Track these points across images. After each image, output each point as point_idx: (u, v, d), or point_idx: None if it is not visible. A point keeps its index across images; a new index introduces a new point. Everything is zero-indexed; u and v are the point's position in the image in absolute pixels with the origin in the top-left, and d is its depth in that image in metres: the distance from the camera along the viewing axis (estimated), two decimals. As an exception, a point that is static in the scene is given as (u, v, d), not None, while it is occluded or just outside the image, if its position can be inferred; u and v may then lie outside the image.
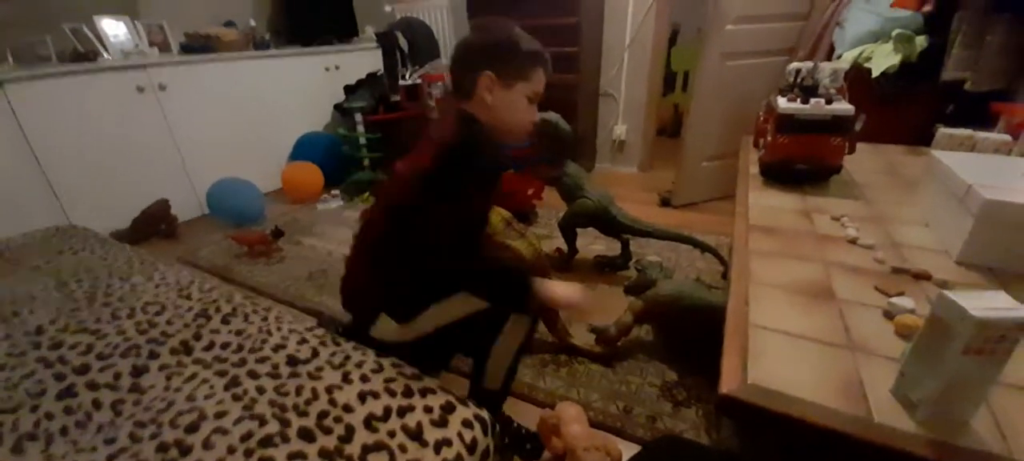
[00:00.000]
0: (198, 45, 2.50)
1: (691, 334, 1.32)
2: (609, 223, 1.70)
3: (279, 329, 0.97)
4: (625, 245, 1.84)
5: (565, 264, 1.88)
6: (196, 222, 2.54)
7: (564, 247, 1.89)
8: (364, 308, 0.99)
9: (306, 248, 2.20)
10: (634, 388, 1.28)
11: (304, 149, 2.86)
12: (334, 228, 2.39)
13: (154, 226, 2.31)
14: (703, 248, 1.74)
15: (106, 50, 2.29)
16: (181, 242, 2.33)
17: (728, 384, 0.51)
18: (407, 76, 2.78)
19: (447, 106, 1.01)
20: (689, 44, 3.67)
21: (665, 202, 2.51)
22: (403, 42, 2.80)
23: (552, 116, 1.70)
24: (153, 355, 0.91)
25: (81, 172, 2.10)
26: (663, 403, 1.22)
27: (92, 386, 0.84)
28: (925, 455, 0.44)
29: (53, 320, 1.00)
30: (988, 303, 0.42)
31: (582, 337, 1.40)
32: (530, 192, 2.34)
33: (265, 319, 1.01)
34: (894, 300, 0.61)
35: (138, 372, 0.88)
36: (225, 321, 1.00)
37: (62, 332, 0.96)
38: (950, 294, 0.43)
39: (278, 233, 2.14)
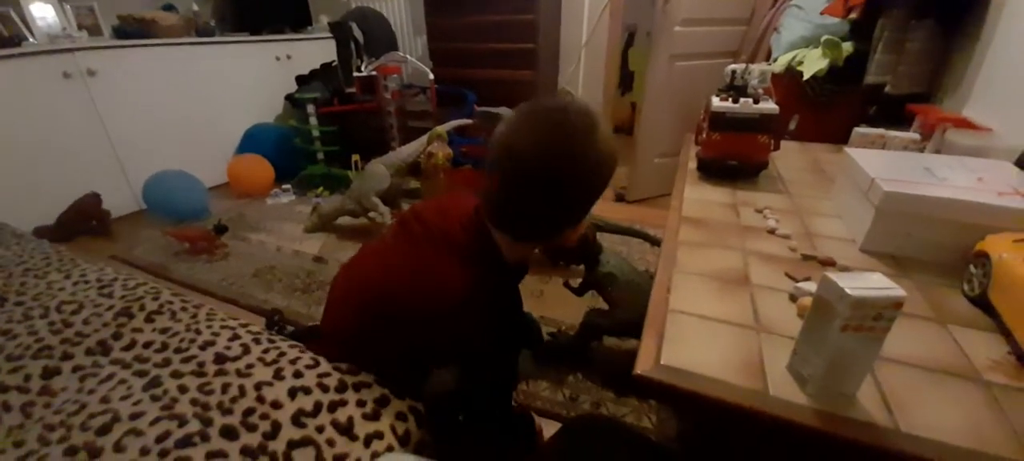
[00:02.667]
0: (132, 29, 2.35)
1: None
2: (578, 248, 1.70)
3: (209, 326, 0.93)
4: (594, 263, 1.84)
5: (520, 258, 1.90)
6: (132, 218, 2.39)
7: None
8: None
9: (253, 244, 2.11)
10: (579, 377, 1.30)
11: (253, 141, 2.74)
12: (283, 223, 2.31)
13: (84, 222, 2.16)
14: (653, 242, 1.80)
15: (31, 34, 2.12)
16: (115, 239, 2.19)
17: (642, 365, 0.54)
18: (362, 68, 2.71)
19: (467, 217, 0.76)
20: (645, 45, 3.76)
21: (620, 197, 2.58)
22: (358, 33, 2.73)
23: (506, 112, 1.70)
24: (66, 356, 0.86)
25: (2, 163, 1.93)
26: (607, 391, 1.26)
27: (1, 388, 0.79)
28: (814, 425, 0.47)
29: (-45, 321, 0.92)
30: (865, 283, 0.45)
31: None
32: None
33: (194, 317, 0.96)
34: (800, 284, 0.65)
35: (49, 374, 0.83)
36: (149, 319, 0.95)
37: (-36, 334, 0.88)
38: (832, 275, 0.46)
39: (221, 229, 2.05)
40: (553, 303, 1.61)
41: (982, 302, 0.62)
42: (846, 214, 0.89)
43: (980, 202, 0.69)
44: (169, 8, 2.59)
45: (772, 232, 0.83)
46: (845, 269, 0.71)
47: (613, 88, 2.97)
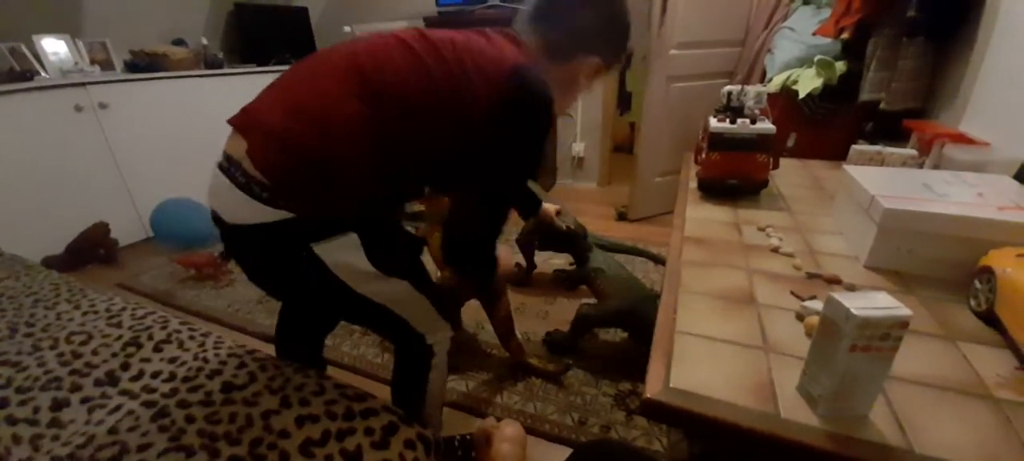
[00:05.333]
0: (143, 63, 2.41)
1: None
2: (563, 239, 1.73)
3: (217, 354, 0.93)
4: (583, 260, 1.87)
5: (524, 279, 1.90)
6: (139, 246, 2.41)
7: (523, 262, 1.91)
8: (325, 200, 0.69)
9: (259, 270, 2.12)
10: (588, 399, 1.29)
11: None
12: (289, 249, 2.32)
13: (91, 251, 2.18)
14: (656, 260, 1.80)
15: (44, 69, 2.18)
16: (122, 268, 2.20)
17: (652, 388, 0.54)
18: (366, 95, 2.76)
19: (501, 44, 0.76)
20: (642, 66, 3.84)
21: (622, 216, 2.59)
22: (362, 61, 2.79)
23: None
24: (75, 388, 0.86)
25: (12, 196, 1.97)
26: (617, 412, 1.25)
27: (11, 421, 0.79)
28: (826, 447, 0.47)
29: (-34, 353, 0.93)
30: (871, 303, 0.46)
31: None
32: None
33: (202, 345, 0.97)
34: (806, 303, 0.65)
35: (58, 405, 0.82)
36: (157, 349, 0.95)
37: (-25, 366, 0.89)
38: (837, 296, 0.47)
39: (228, 254, 2.06)
40: (557, 323, 1.61)
41: (989, 317, 0.62)
42: (848, 231, 0.89)
43: (981, 217, 0.70)
44: (179, 42, 2.67)
45: (776, 250, 0.83)
46: (851, 287, 0.72)
47: (612, 109, 3.02)
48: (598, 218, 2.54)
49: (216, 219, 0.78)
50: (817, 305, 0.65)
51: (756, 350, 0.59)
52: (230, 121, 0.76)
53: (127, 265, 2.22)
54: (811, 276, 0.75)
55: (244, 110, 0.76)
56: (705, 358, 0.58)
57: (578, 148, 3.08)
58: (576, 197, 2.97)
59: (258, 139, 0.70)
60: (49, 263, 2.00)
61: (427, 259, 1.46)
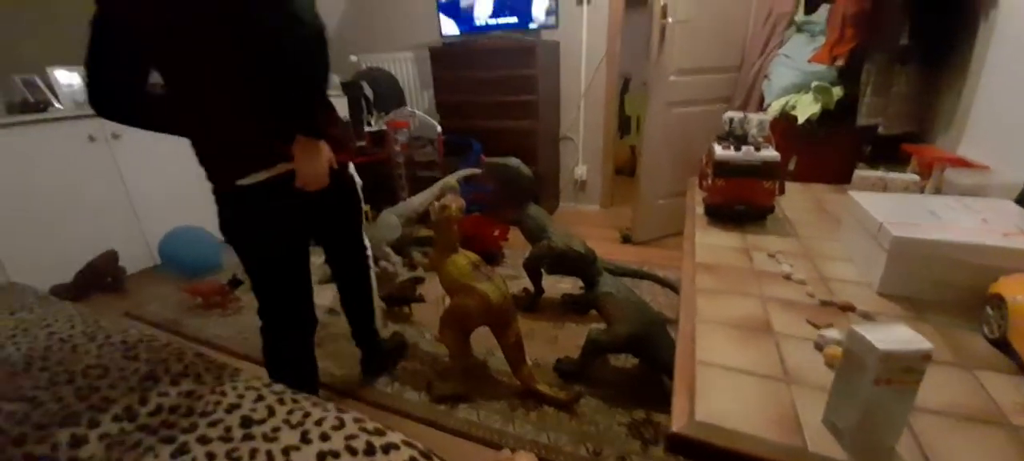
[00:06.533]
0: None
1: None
2: (572, 263, 1.74)
3: (234, 387, 0.94)
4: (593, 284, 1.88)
5: (532, 304, 1.91)
6: (146, 274, 2.41)
7: (531, 287, 1.91)
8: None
9: (265, 298, 2.12)
10: (602, 428, 1.29)
11: (266, 195, 2.81)
12: (296, 276, 2.33)
13: (99, 279, 2.18)
14: (664, 284, 1.81)
15: (57, 100, 2.23)
16: (128, 296, 2.20)
17: (678, 423, 0.54)
18: (372, 123, 2.82)
19: None
20: (640, 91, 3.92)
21: (626, 239, 2.61)
22: (368, 91, 2.86)
23: (512, 161, 1.76)
24: (93, 423, 0.86)
25: (24, 225, 1.99)
26: (632, 442, 1.24)
27: (28, 458, 0.78)
28: (854, 480, 0.48)
29: (-17, 389, 0.93)
30: (892, 336, 0.47)
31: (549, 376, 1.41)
32: (496, 233, 2.38)
33: (219, 378, 0.97)
34: (823, 332, 0.66)
35: (77, 442, 0.82)
36: (174, 382, 0.95)
37: (-7, 402, 0.89)
38: (859, 329, 0.48)
39: (236, 282, 2.07)
40: (567, 349, 1.61)
41: (1002, 344, 0.64)
42: (856, 257, 0.91)
43: (987, 244, 0.72)
44: (189, 73, 2.73)
45: (788, 278, 0.85)
46: (866, 315, 0.73)
47: (613, 132, 3.07)
48: (603, 241, 2.56)
49: None
50: (835, 334, 0.66)
51: (778, 381, 0.60)
52: None
53: (133, 293, 2.22)
54: (825, 304, 0.76)
55: None
56: (728, 390, 0.59)
57: (581, 171, 3.12)
58: (580, 220, 3.00)
59: None
60: (57, 291, 2.00)
61: (436, 286, 1.49)
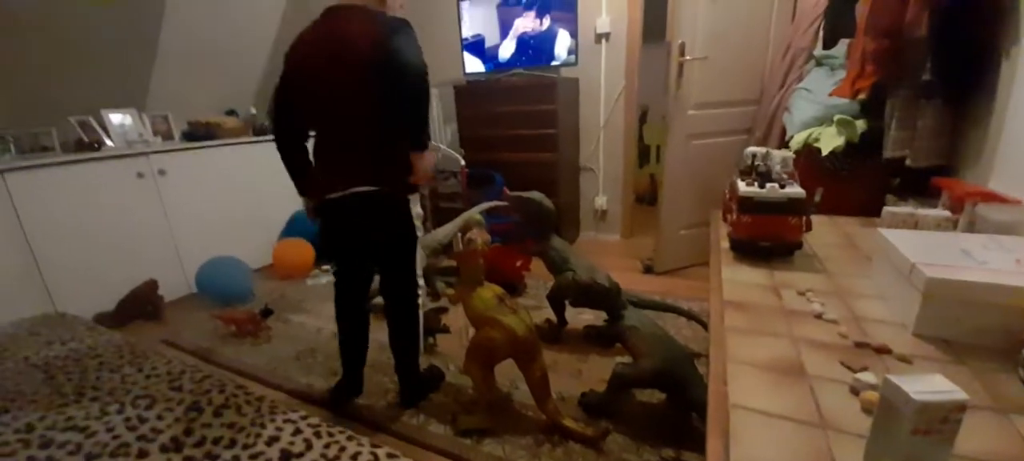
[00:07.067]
0: (200, 132, 2.63)
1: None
2: (597, 297, 1.75)
3: (273, 420, 0.97)
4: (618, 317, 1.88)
5: (555, 335, 1.91)
6: (183, 301, 2.52)
7: (553, 318, 1.92)
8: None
9: (295, 326, 2.19)
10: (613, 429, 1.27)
11: (297, 225, 2.93)
12: (323, 304, 2.39)
13: (139, 308, 2.29)
14: (688, 316, 1.80)
15: (109, 139, 2.40)
16: (167, 323, 2.29)
17: (712, 468, 0.55)
18: (398, 156, 2.91)
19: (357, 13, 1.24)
20: (658, 121, 3.97)
21: (648, 269, 2.60)
22: (395, 125, 2.97)
23: (536, 195, 1.81)
24: (142, 454, 0.90)
25: (73, 256, 2.12)
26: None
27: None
28: (896, 531, 0.48)
29: (42, 417, 0.99)
30: (928, 386, 0.48)
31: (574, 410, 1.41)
32: (518, 264, 2.40)
33: (259, 410, 1.01)
34: (858, 376, 0.66)
35: (126, 473, 0.87)
36: (217, 414, 1.00)
37: (51, 430, 0.95)
38: (894, 378, 0.49)
39: (267, 312, 2.14)
40: (591, 382, 1.60)
41: (1044, 390, 0.62)
42: (889, 296, 0.90)
43: (1022, 286, 0.71)
44: (231, 112, 2.91)
45: (819, 317, 0.85)
46: (903, 358, 0.72)
47: (633, 162, 3.11)
48: (625, 271, 2.56)
49: None
50: (870, 377, 0.66)
51: (813, 428, 0.60)
52: None
53: (172, 321, 2.32)
54: (859, 345, 0.76)
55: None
56: (762, 435, 0.59)
57: (601, 201, 3.15)
58: (600, 250, 3.01)
59: None
60: (101, 319, 2.11)
61: (460, 316, 1.53)
